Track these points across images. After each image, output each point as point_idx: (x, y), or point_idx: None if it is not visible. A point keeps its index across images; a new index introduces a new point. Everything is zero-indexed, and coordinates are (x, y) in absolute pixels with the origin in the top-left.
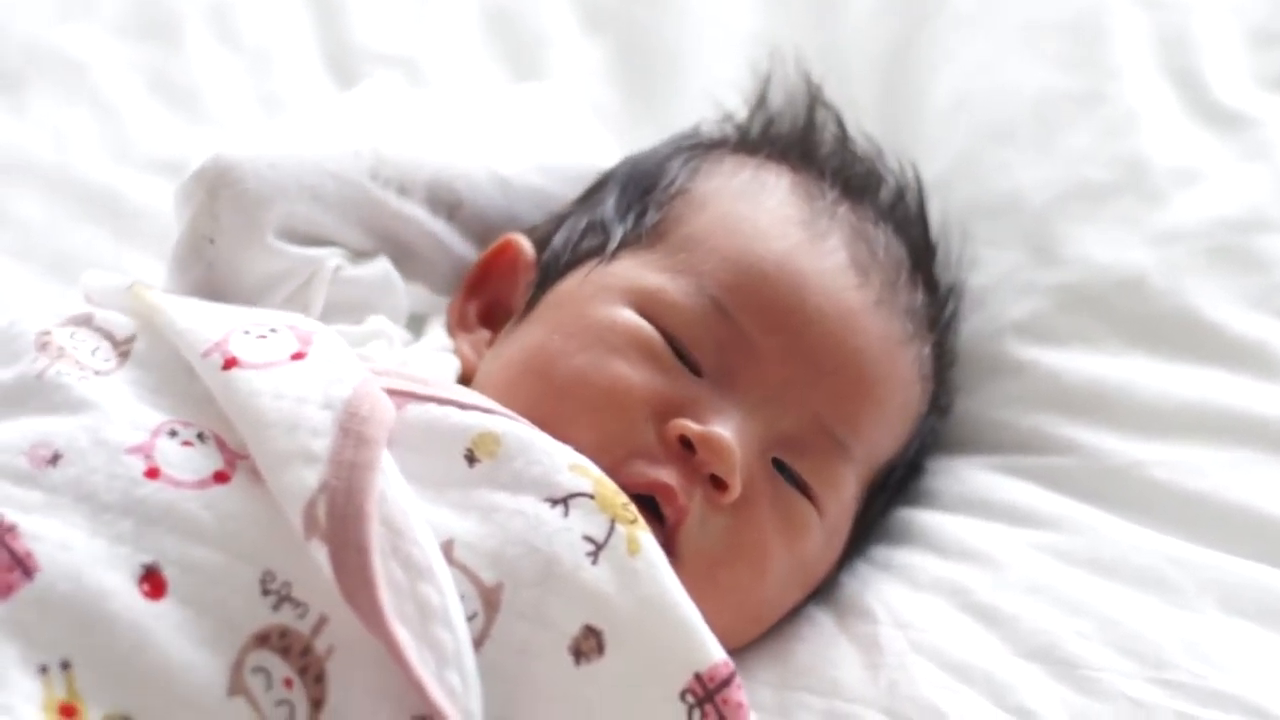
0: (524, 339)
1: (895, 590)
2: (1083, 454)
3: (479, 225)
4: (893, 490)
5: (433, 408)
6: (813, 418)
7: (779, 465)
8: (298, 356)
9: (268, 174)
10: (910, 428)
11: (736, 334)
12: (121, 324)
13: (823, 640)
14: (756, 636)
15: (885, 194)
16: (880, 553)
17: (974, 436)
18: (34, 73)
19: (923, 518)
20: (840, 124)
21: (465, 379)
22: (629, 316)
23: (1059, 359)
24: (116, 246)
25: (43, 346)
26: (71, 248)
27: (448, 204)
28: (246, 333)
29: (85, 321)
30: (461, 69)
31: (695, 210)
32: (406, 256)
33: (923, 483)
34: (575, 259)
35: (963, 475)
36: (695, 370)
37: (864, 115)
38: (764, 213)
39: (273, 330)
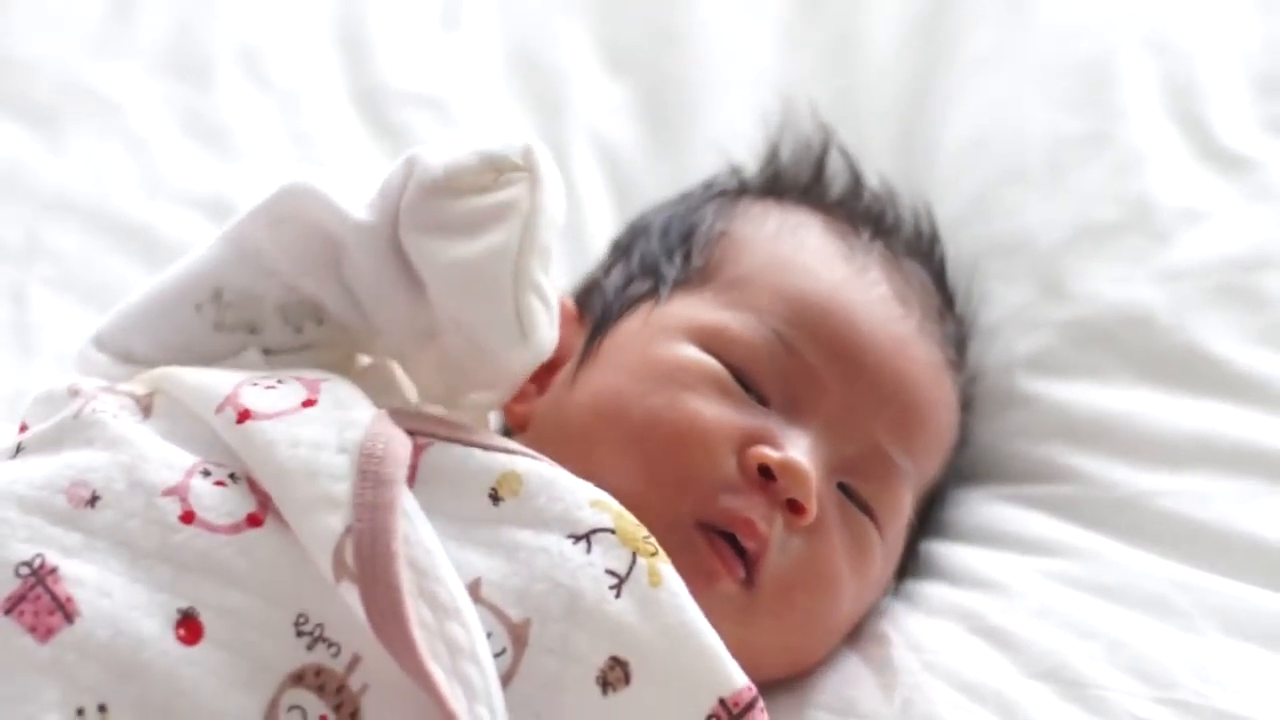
0: (590, 384)
1: (908, 616)
2: (1090, 484)
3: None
4: (929, 512)
5: (457, 449)
6: (873, 443)
7: (844, 489)
8: (309, 403)
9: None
10: (949, 453)
11: (799, 365)
12: (139, 387)
13: (838, 662)
14: (822, 657)
15: (905, 230)
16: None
17: (985, 467)
18: (71, 110)
19: (935, 548)
20: (854, 167)
21: (512, 426)
22: (694, 353)
23: (1067, 392)
24: (149, 278)
25: (75, 394)
26: (107, 279)
27: (311, 314)
28: (255, 384)
29: (108, 388)
30: (487, 108)
31: (739, 251)
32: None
33: (935, 513)
34: (627, 303)
35: (974, 505)
36: (763, 401)
37: (880, 156)
38: (807, 250)
39: (280, 381)
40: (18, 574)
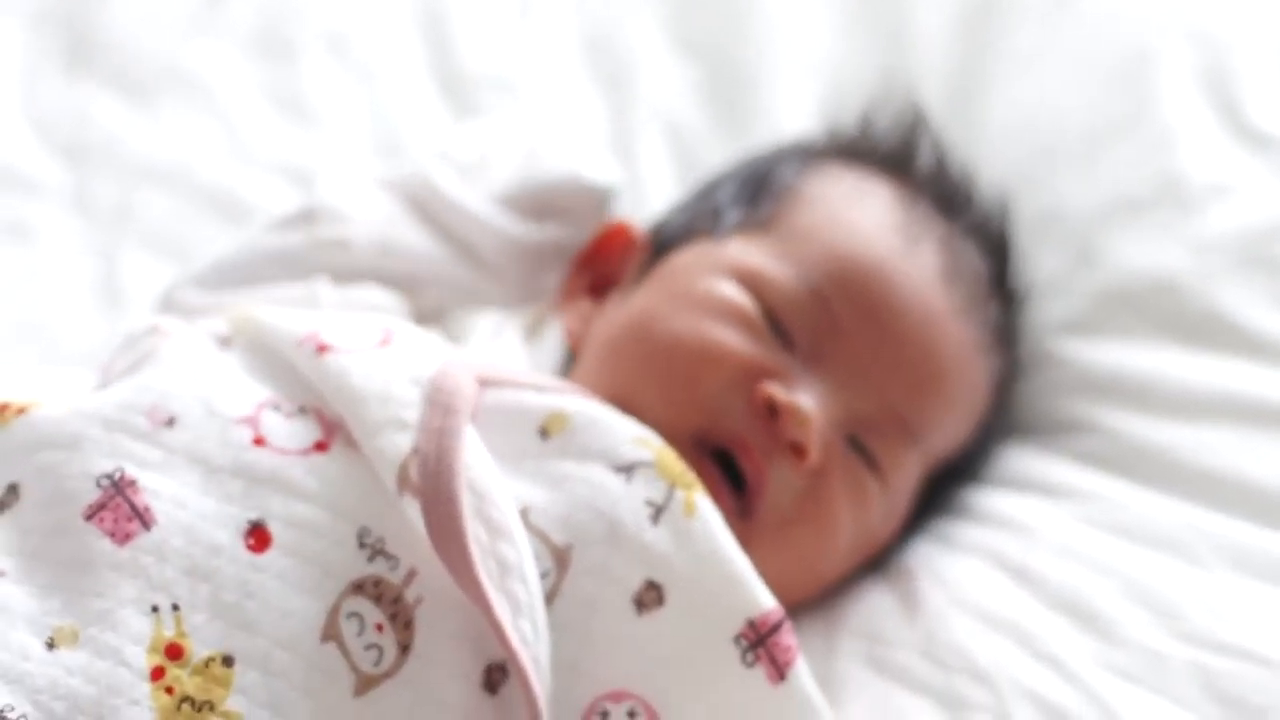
0: (632, 303)
1: (936, 554)
2: (1114, 436)
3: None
4: (953, 484)
5: (510, 392)
6: (888, 404)
7: (853, 442)
8: (384, 343)
9: None
10: (974, 427)
11: (829, 317)
12: (220, 326)
13: (866, 594)
14: (815, 595)
15: (974, 214)
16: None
17: (1015, 421)
18: (165, 85)
19: (965, 494)
20: (939, 147)
21: (571, 347)
22: (731, 289)
23: (1096, 352)
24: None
25: (153, 331)
26: (194, 240)
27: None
28: (333, 326)
29: (188, 325)
30: (558, 88)
31: (804, 207)
32: None
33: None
34: (688, 236)
35: (1004, 456)
36: (788, 344)
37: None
38: (866, 217)
39: (357, 324)
40: (99, 485)
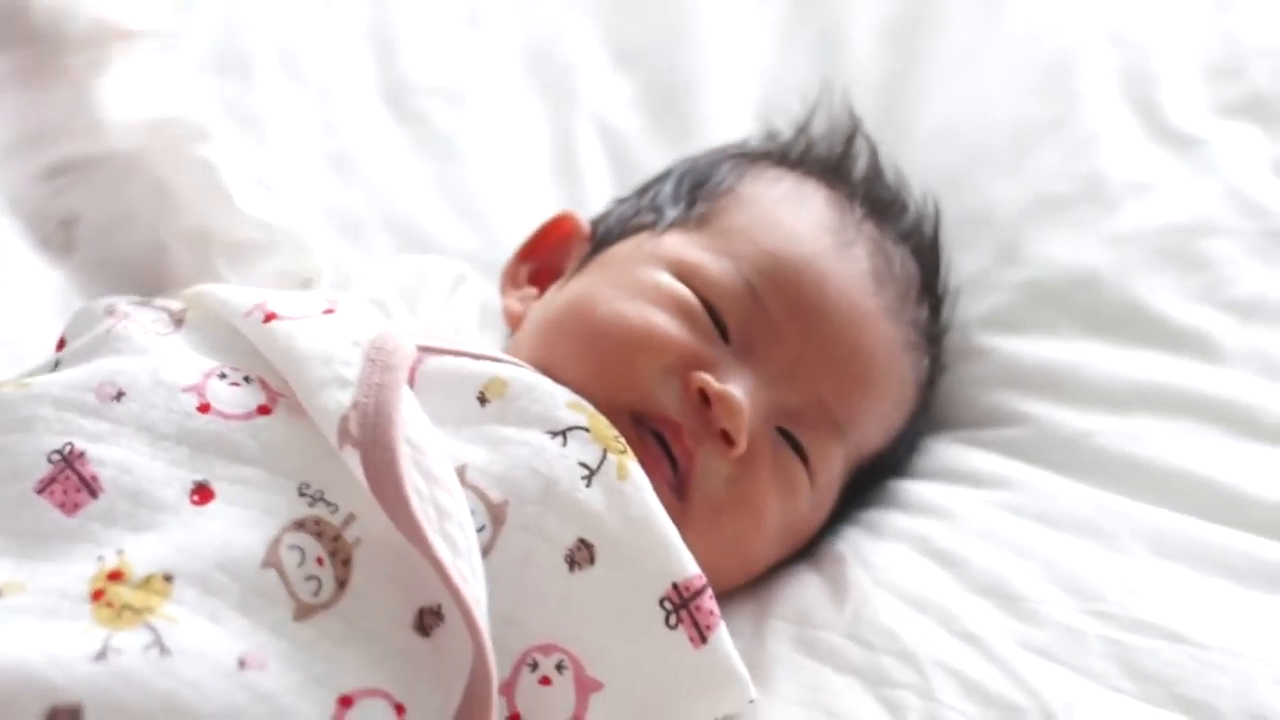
0: (573, 288)
1: (863, 540)
2: (1036, 425)
3: None
4: (878, 478)
5: (449, 359)
6: (817, 399)
7: (784, 434)
8: (328, 312)
9: None
10: (900, 424)
11: (762, 313)
12: (174, 303)
13: (796, 579)
14: (743, 582)
15: (907, 220)
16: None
17: (941, 415)
18: None
19: (892, 484)
20: (874, 155)
21: (511, 327)
22: (669, 280)
23: (1019, 345)
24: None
25: (110, 312)
26: None
27: None
28: (280, 297)
29: (144, 303)
30: (502, 99)
31: (740, 207)
32: None
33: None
34: (628, 231)
35: (930, 448)
36: (723, 336)
37: None
38: (800, 218)
39: (303, 297)
40: (49, 460)
